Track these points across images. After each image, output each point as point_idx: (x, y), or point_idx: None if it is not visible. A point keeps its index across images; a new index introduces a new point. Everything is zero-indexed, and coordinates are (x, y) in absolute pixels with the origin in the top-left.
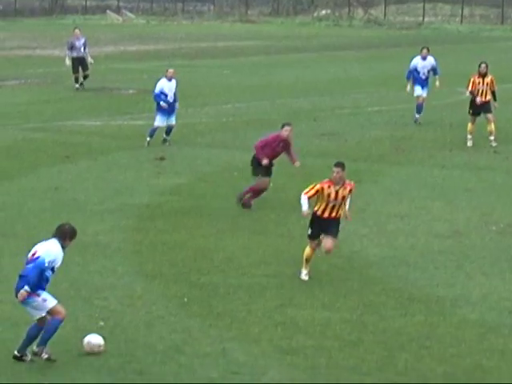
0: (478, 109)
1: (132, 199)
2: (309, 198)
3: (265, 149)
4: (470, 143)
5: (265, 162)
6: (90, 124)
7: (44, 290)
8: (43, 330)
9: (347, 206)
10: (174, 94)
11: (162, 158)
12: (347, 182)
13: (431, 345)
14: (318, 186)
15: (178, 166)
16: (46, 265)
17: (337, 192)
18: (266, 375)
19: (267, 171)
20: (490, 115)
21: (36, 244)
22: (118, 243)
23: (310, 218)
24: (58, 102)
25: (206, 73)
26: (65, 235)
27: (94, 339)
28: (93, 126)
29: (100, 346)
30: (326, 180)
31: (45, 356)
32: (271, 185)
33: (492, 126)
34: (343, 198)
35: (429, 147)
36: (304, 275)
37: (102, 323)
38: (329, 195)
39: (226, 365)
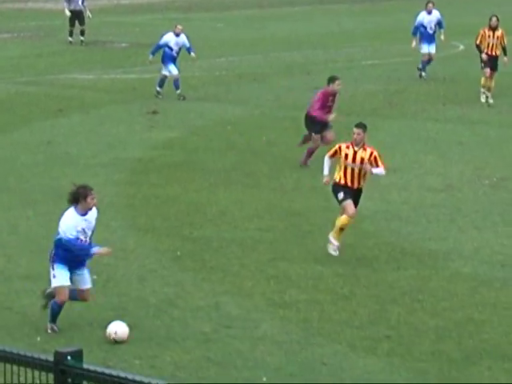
0: (489, 63)
1: (125, 153)
2: (330, 157)
3: (315, 104)
4: (483, 98)
5: (331, 117)
6: (83, 78)
7: (63, 262)
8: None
9: (375, 171)
10: (189, 47)
11: (154, 112)
12: (368, 146)
13: (423, 298)
14: (336, 146)
15: (170, 119)
16: (69, 236)
17: (355, 153)
18: (259, 329)
19: (323, 128)
20: (494, 73)
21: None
22: (111, 197)
23: (331, 186)
24: (50, 55)
25: (200, 26)
26: (76, 199)
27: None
28: (85, 79)
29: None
30: (348, 142)
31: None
32: (264, 138)
33: (492, 83)
34: (362, 160)
35: (422, 101)
36: (334, 250)
37: (95, 277)
38: (346, 156)
39: (218, 318)
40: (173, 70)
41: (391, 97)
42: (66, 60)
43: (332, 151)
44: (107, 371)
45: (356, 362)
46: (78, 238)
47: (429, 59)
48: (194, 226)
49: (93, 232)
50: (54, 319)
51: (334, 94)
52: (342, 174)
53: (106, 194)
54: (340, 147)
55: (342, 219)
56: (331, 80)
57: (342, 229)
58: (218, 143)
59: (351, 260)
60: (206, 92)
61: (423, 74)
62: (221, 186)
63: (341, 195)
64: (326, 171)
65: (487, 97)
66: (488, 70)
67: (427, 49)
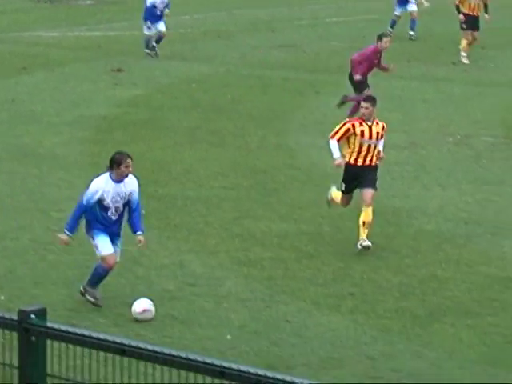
0: (471, 23)
1: (89, 111)
2: (338, 140)
3: (362, 63)
4: (465, 60)
5: (357, 78)
6: (48, 35)
7: (100, 230)
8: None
9: (380, 147)
10: (168, 3)
11: (119, 70)
12: (378, 120)
13: (387, 255)
14: (347, 125)
15: (135, 77)
16: (84, 202)
17: (370, 128)
18: (223, 286)
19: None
20: (476, 33)
21: None
22: (75, 155)
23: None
24: (14, 12)
25: None
26: (111, 165)
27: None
28: (50, 37)
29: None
30: (355, 118)
31: (88, 298)
32: (229, 96)
33: (472, 44)
34: (378, 135)
35: (387, 58)
36: (363, 244)
37: (58, 235)
38: (362, 133)
39: (182, 276)
40: (161, 27)
41: None
42: (31, 17)
43: (342, 132)
44: (71, 329)
45: (320, 319)
46: (86, 208)
47: (415, 18)
48: (158, 184)
49: (133, 204)
50: (96, 283)
51: (380, 52)
52: (355, 153)
53: (71, 152)
54: (353, 125)
55: (336, 195)
56: (379, 37)
57: (333, 201)
58: (183, 101)
59: (316, 218)
60: (171, 50)
61: (411, 32)
62: (186, 144)
63: (343, 186)
64: (336, 153)
65: (463, 56)
66: (471, 33)
67: (404, 9)
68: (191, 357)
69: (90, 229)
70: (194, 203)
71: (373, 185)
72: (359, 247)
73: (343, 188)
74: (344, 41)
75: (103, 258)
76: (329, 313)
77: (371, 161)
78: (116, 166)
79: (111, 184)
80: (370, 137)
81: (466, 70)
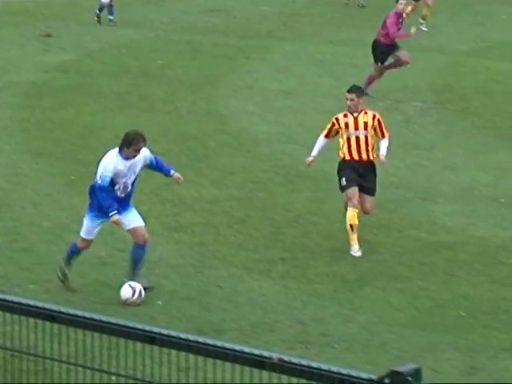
0: None
1: (18, 76)
2: (326, 136)
3: (390, 30)
4: (423, 27)
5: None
6: None
7: (97, 217)
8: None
9: (383, 150)
10: None
11: (48, 35)
12: (367, 109)
13: (318, 220)
14: (332, 120)
15: (64, 42)
16: (102, 183)
17: (356, 119)
18: (154, 252)
19: (388, 55)
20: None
21: None
22: (5, 121)
23: (340, 167)
24: None
25: None
26: (121, 144)
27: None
28: None
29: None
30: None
31: (57, 272)
32: (159, 62)
33: (427, 12)
34: (366, 125)
35: (317, 23)
36: (355, 251)
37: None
38: (346, 125)
39: (113, 242)
40: None
41: (286, 19)
42: None
43: (327, 128)
44: (0, 296)
45: (251, 284)
46: (109, 186)
47: None
48: (88, 149)
49: (152, 162)
50: (67, 261)
51: (401, 15)
52: (346, 148)
53: (0, 118)
54: (337, 118)
55: (348, 215)
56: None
57: (352, 226)
58: (113, 67)
59: (247, 183)
60: (101, 14)
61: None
62: (115, 109)
63: (343, 181)
64: (314, 151)
65: (421, 23)
66: (415, 4)
67: None
68: (121, 322)
69: (90, 209)
70: None
71: (372, 191)
72: (353, 254)
73: (344, 182)
74: (274, 5)
75: (79, 238)
76: (260, 278)
77: (368, 155)
78: (126, 146)
79: (121, 161)
80: (356, 128)
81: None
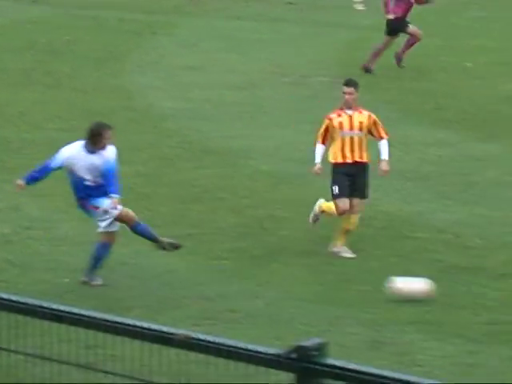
0: None
1: None
2: (323, 143)
3: (398, 3)
4: (359, 6)
5: (390, 16)
6: None
7: (82, 197)
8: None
9: (384, 155)
10: None
11: None
12: (361, 108)
13: (225, 196)
14: (325, 121)
15: None
16: (50, 164)
17: (351, 118)
18: (59, 230)
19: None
20: None
21: None
22: None
23: (333, 175)
24: None
25: None
26: (87, 137)
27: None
28: None
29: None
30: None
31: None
32: (67, 37)
33: None
34: (361, 126)
35: (219, 1)
36: (344, 252)
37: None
38: (341, 125)
39: (18, 220)
40: None
41: None
42: None
43: (322, 130)
44: None
45: (158, 261)
46: (49, 168)
47: None
48: None
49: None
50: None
51: None
52: (339, 149)
53: None
54: (330, 118)
55: (325, 206)
56: None
57: (323, 211)
58: (18, 42)
59: (153, 159)
60: None
61: None
62: (21, 86)
63: (336, 189)
64: (317, 158)
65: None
66: None
67: None
68: (28, 301)
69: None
70: (30, 146)
71: (362, 193)
72: (335, 251)
73: (336, 191)
74: None
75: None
76: (166, 254)
77: (361, 157)
78: (94, 137)
79: (83, 154)
80: (351, 127)
81: (301, 9)
